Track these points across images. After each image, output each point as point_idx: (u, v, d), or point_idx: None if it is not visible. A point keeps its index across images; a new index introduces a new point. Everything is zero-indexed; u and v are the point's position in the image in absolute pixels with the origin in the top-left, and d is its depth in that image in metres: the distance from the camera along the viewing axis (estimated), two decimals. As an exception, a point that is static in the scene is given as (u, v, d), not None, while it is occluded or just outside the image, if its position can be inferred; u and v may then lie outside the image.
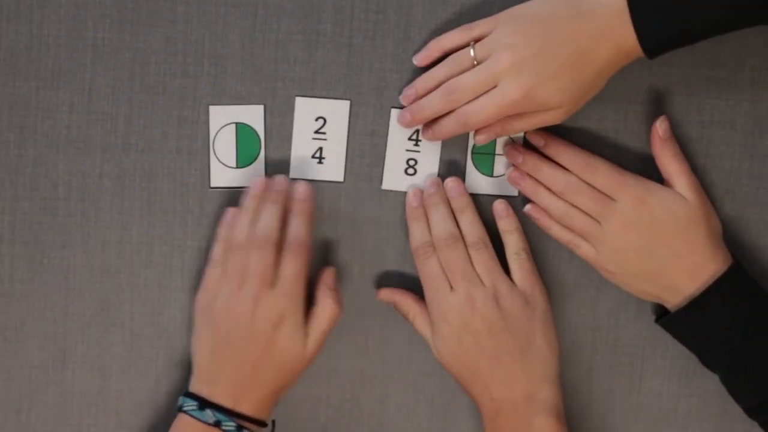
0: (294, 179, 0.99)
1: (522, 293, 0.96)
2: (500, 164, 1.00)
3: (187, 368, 1.02)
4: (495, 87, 0.92)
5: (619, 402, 1.02)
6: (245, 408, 0.94)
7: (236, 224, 0.96)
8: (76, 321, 1.02)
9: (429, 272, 0.97)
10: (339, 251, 1.01)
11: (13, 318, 1.02)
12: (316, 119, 0.99)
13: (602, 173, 0.96)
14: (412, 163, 1.00)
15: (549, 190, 0.97)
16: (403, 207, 1.00)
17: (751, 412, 0.95)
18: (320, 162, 1.00)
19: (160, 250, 1.01)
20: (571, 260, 1.01)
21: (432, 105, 0.94)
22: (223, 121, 0.99)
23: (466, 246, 0.97)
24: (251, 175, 0.99)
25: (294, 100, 0.99)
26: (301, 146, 1.00)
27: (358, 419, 1.03)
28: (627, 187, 0.95)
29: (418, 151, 1.00)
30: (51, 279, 1.02)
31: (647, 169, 0.99)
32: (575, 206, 0.96)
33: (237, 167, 1.00)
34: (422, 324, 0.99)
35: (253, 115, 0.99)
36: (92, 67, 0.99)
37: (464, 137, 0.99)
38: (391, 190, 1.00)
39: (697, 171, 0.99)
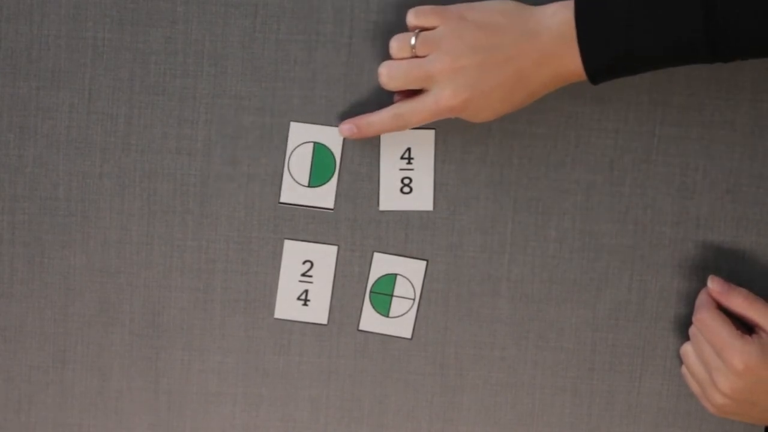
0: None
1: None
2: (397, 305, 1.01)
3: (186, 367, 1.02)
4: (427, 91, 0.92)
5: (619, 402, 1.02)
6: None
7: None
8: (76, 321, 1.02)
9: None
10: (339, 256, 1.01)
11: (13, 318, 1.02)
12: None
13: (711, 330, 0.96)
14: (407, 181, 1.00)
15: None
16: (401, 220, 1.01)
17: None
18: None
19: (159, 250, 1.01)
20: (571, 260, 1.01)
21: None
22: (302, 138, 0.99)
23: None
24: (321, 196, 1.00)
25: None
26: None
27: (358, 419, 1.03)
28: (732, 352, 0.94)
29: (412, 169, 1.00)
30: (51, 279, 1.02)
31: (647, 170, 0.99)
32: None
33: (309, 186, 1.00)
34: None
35: (333, 137, 0.99)
36: (92, 67, 0.99)
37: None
38: (388, 211, 1.01)
39: (697, 171, 1.00)
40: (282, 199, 1.01)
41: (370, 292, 1.01)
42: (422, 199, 1.01)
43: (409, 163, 1.00)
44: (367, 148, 1.00)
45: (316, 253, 1.01)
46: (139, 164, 1.00)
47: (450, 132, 1.00)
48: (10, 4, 0.98)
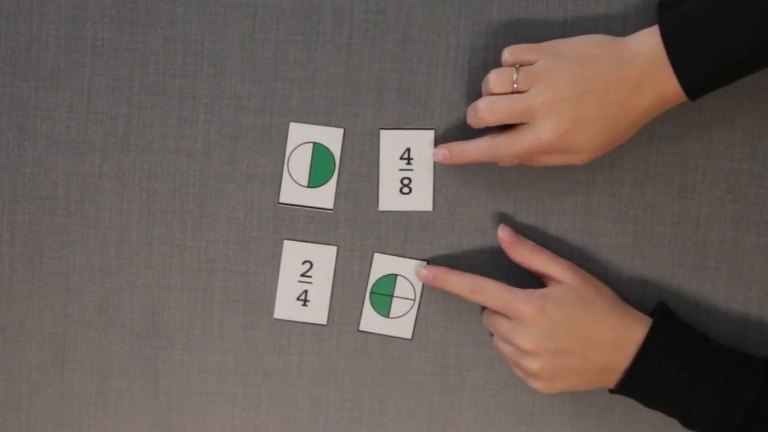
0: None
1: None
2: (397, 306, 1.01)
3: (186, 367, 1.02)
4: (527, 124, 0.92)
5: (619, 402, 1.02)
6: None
7: None
8: (75, 321, 1.02)
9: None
10: (338, 257, 1.01)
11: (12, 318, 1.02)
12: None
13: (490, 295, 0.96)
14: (406, 182, 1.00)
15: None
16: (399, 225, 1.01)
17: None
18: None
19: (159, 250, 1.01)
20: (571, 260, 1.00)
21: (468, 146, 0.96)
22: (302, 138, 1.00)
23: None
24: (320, 196, 1.00)
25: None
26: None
27: (358, 419, 1.03)
28: (518, 304, 0.95)
29: (411, 169, 1.00)
30: (50, 279, 1.02)
31: (647, 170, 0.99)
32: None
33: (308, 186, 1.00)
34: None
35: (332, 137, 0.99)
36: (92, 68, 0.99)
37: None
38: (388, 211, 1.01)
39: (697, 171, 1.00)
40: (281, 200, 1.01)
41: (371, 292, 1.01)
42: (422, 200, 1.01)
43: (408, 163, 1.00)
44: (366, 148, 1.00)
45: (315, 254, 1.01)
46: (138, 164, 1.00)
47: (450, 132, 1.00)
48: (9, 4, 0.98)
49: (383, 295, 1.01)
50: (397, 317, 1.02)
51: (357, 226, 1.01)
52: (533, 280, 0.99)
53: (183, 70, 0.99)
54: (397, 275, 1.01)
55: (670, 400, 0.94)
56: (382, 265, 1.01)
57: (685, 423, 0.95)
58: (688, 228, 1.01)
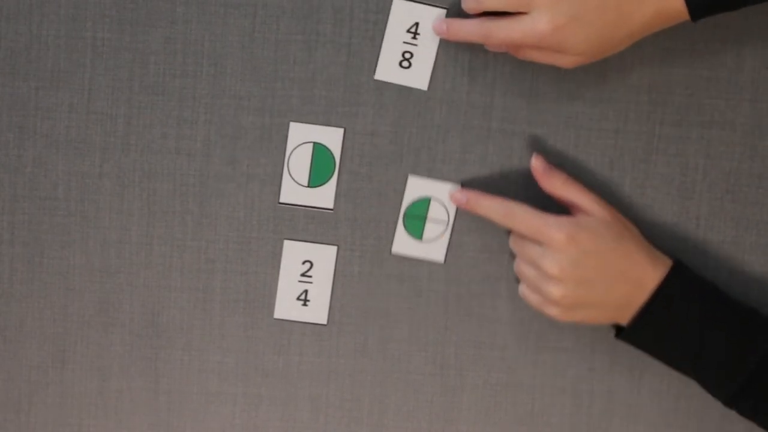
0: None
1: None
2: (431, 229, 1.01)
3: (186, 367, 1.02)
4: (525, 13, 0.91)
5: (619, 402, 1.02)
6: None
7: None
8: (75, 321, 1.02)
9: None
10: (339, 256, 1.01)
11: (12, 318, 1.02)
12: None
13: (521, 220, 0.96)
14: (407, 56, 0.99)
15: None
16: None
17: (729, 402, 0.95)
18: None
19: (159, 250, 1.01)
20: (571, 260, 1.01)
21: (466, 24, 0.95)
22: (302, 138, 0.99)
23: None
24: (320, 196, 1.00)
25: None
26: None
27: (358, 419, 1.03)
28: (550, 230, 0.94)
29: (416, 44, 0.99)
30: (50, 279, 1.02)
31: (647, 170, 0.99)
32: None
33: (308, 186, 1.00)
34: None
35: (332, 137, 0.99)
36: (92, 68, 0.99)
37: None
38: (384, 82, 0.99)
39: (697, 171, 1.00)
40: (281, 200, 1.01)
41: (404, 215, 1.01)
42: (419, 77, 0.99)
43: (414, 37, 0.99)
44: (366, 148, 1.00)
45: (315, 253, 1.01)
46: (138, 164, 1.00)
47: (450, 131, 1.00)
48: (9, 4, 0.98)
49: (417, 217, 1.01)
50: (430, 240, 1.01)
51: (357, 226, 1.01)
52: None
53: (183, 70, 0.99)
54: (430, 198, 1.00)
55: (684, 338, 0.94)
56: (416, 187, 1.00)
57: (694, 364, 0.95)
58: (688, 228, 1.01)
